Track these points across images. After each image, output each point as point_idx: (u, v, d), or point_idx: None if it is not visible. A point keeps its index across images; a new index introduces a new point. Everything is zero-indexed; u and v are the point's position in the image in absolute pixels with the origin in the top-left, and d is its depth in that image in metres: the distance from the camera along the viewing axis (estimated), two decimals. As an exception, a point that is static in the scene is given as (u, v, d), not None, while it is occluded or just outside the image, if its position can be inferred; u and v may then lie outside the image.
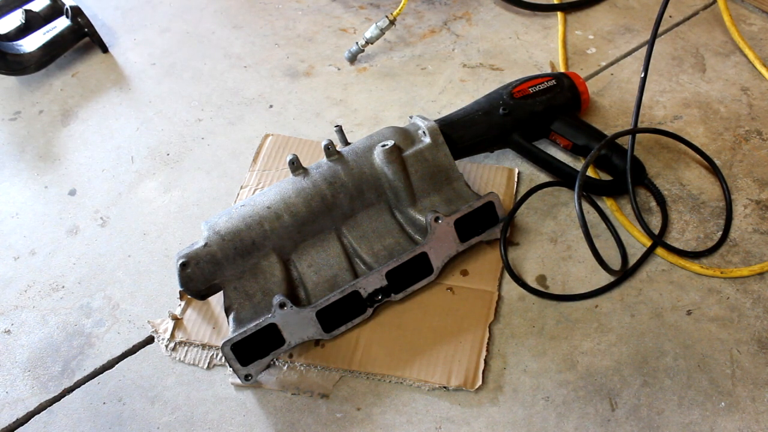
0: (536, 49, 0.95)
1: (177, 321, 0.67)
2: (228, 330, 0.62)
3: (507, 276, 0.69)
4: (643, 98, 0.78)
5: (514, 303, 0.68)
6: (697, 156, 0.78)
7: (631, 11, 1.00)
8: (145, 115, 0.90)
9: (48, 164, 0.85)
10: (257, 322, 0.59)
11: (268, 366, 0.62)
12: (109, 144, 0.87)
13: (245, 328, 0.58)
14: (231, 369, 0.60)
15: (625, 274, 0.69)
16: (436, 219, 0.64)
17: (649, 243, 0.71)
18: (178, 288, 0.64)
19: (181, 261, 0.62)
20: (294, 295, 0.65)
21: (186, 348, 0.66)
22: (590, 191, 0.76)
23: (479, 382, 0.61)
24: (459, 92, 0.90)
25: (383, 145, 0.67)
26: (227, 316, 0.63)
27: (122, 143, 0.87)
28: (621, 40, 0.96)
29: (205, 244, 0.63)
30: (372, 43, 0.93)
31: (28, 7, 0.95)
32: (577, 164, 0.79)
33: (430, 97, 0.90)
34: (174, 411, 0.62)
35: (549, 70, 0.92)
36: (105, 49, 0.99)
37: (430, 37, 0.99)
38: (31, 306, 0.71)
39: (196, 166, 0.83)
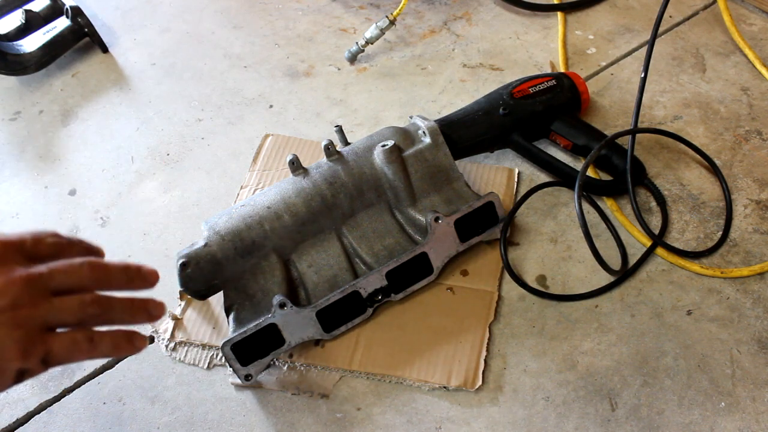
0: (536, 49, 0.95)
1: (177, 321, 0.67)
2: (228, 330, 0.62)
3: (507, 276, 0.69)
4: (643, 98, 0.78)
5: (514, 303, 0.68)
6: (697, 156, 0.78)
7: (631, 11, 1.00)
8: (145, 115, 0.90)
9: (48, 164, 0.85)
10: (257, 322, 0.59)
11: (268, 366, 0.62)
12: (109, 144, 0.87)
13: (245, 328, 0.58)
14: (231, 369, 0.60)
15: (625, 274, 0.69)
16: (436, 219, 0.64)
17: (649, 243, 0.71)
18: (178, 288, 0.64)
19: (181, 261, 0.62)
20: (294, 295, 0.65)
21: (186, 348, 0.66)
22: (590, 191, 0.76)
23: (479, 382, 0.61)
24: (459, 92, 0.90)
25: (383, 145, 0.67)
26: (227, 316, 0.63)
27: (122, 143, 0.87)
28: (621, 40, 0.96)
29: (205, 244, 0.63)
30: (372, 43, 0.93)
31: (28, 7, 0.94)
32: (577, 164, 0.79)
33: (430, 97, 0.90)
34: (174, 411, 0.62)
35: (549, 70, 0.92)
36: (105, 49, 0.99)
37: (430, 37, 0.99)
38: (31, 306, 0.71)
39: (196, 166, 0.83)
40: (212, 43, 1.00)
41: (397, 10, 0.91)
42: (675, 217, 0.74)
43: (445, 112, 0.81)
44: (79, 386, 0.64)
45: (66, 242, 0.43)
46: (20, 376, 0.38)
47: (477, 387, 0.61)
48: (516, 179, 0.78)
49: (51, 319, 0.39)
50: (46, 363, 0.39)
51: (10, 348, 0.37)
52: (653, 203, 0.75)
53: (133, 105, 0.92)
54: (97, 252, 0.46)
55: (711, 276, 0.68)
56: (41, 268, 0.40)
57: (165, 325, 0.67)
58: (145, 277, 0.45)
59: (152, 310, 0.45)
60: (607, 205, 0.75)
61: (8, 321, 0.37)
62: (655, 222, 0.73)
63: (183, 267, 0.62)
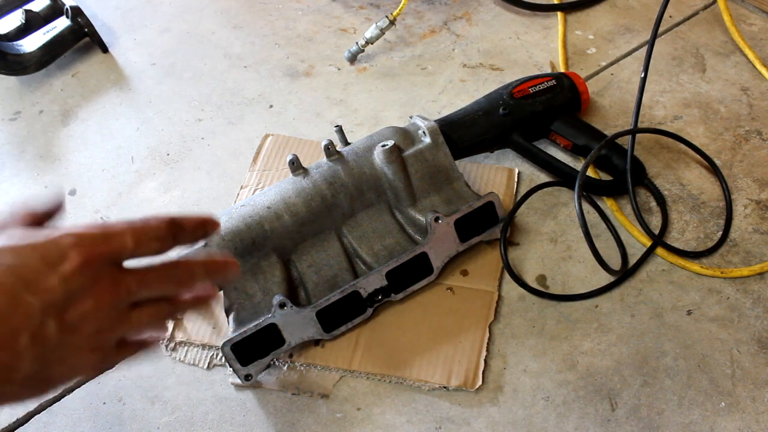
0: (536, 49, 0.95)
1: (177, 321, 0.67)
2: (228, 330, 0.62)
3: (507, 276, 0.69)
4: (643, 98, 0.78)
5: (514, 303, 0.68)
6: (697, 156, 0.78)
7: (631, 11, 1.00)
8: (145, 115, 0.90)
9: (48, 164, 0.85)
10: (257, 322, 0.59)
11: (268, 366, 0.62)
12: (109, 144, 0.87)
13: (245, 328, 0.58)
14: (231, 369, 0.60)
15: (625, 274, 0.69)
16: (436, 219, 0.64)
17: (649, 243, 0.71)
18: (178, 288, 0.64)
19: (181, 261, 0.62)
20: (294, 295, 0.65)
21: (186, 348, 0.66)
22: (590, 191, 0.76)
23: (479, 382, 0.61)
24: (459, 92, 0.90)
25: (383, 145, 0.67)
26: (227, 316, 0.63)
27: (122, 143, 0.87)
28: (621, 40, 0.96)
29: (205, 244, 0.63)
30: (372, 43, 0.93)
31: (28, 7, 0.94)
32: (577, 164, 0.79)
33: (430, 97, 0.90)
34: (174, 411, 0.62)
35: (549, 70, 0.92)
36: (105, 49, 0.99)
37: (430, 37, 0.99)
38: (31, 306, 0.71)
39: (196, 166, 0.83)
40: (212, 43, 1.00)
41: (397, 10, 0.91)
42: (675, 217, 0.74)
43: (445, 112, 0.81)
44: (79, 386, 0.64)
45: (170, 239, 0.44)
46: (78, 382, 0.41)
47: (477, 387, 0.61)
48: (516, 179, 0.78)
49: (126, 335, 0.41)
50: (105, 371, 0.42)
51: (85, 368, 0.39)
52: (653, 203, 0.75)
53: (133, 105, 0.92)
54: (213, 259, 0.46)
55: (711, 276, 0.68)
56: (130, 282, 0.39)
57: (165, 325, 0.67)
58: (227, 272, 0.46)
59: (212, 301, 0.47)
60: (607, 205, 0.75)
61: (89, 345, 0.38)
62: (655, 222, 0.73)
63: (183, 267, 0.62)
